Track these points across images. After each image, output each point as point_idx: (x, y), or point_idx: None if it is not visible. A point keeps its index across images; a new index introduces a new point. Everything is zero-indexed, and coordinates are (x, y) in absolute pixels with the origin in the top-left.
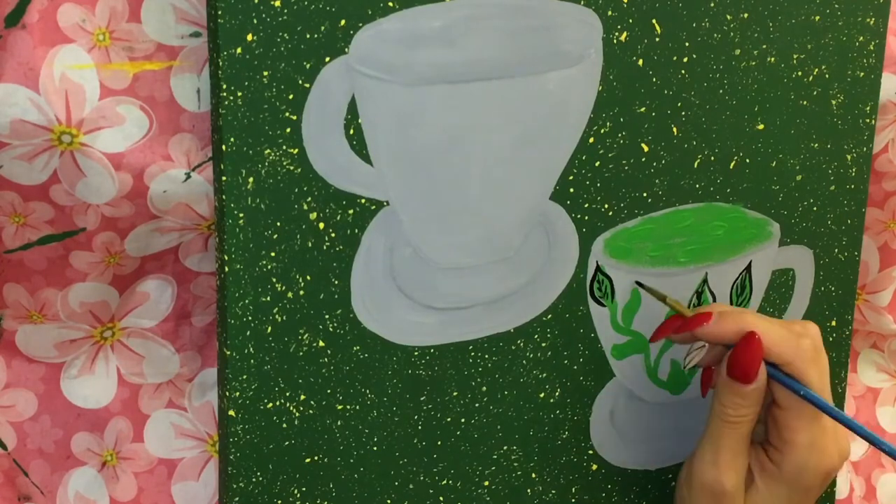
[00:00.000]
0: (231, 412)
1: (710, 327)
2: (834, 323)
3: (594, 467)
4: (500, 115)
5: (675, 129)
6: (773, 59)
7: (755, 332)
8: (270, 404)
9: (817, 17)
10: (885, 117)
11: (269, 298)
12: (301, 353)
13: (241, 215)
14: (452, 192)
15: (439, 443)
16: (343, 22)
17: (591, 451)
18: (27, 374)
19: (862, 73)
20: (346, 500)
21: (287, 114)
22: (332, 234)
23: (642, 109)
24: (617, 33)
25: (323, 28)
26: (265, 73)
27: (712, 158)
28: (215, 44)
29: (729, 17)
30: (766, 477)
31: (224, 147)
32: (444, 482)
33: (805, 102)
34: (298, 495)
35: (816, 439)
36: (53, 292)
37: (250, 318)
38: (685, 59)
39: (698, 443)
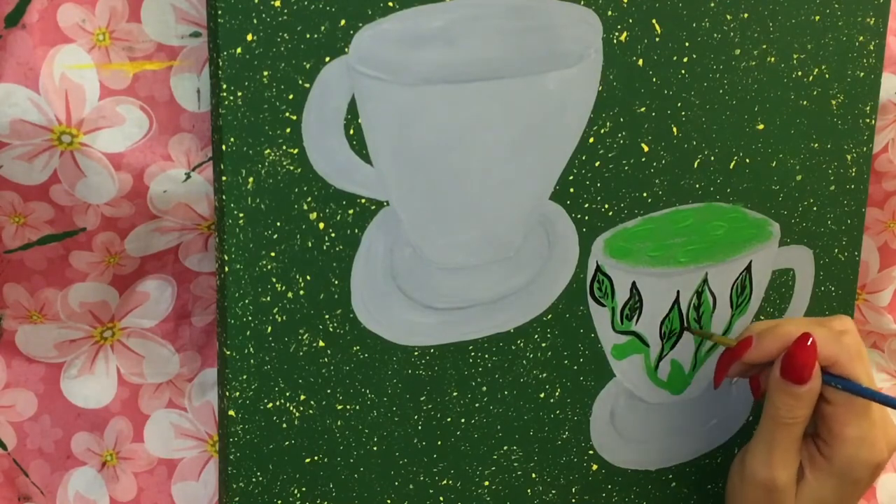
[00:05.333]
0: (231, 412)
1: (753, 351)
2: None
3: (594, 467)
4: (500, 115)
5: (675, 129)
6: (773, 59)
7: (809, 334)
8: (270, 404)
9: (817, 17)
10: (885, 117)
11: (269, 298)
12: (301, 353)
13: (241, 215)
14: (452, 193)
15: (439, 443)
16: (343, 22)
17: (591, 451)
18: (27, 374)
19: (862, 73)
20: (346, 500)
21: (287, 114)
22: (332, 234)
23: (642, 109)
24: (617, 33)
25: (323, 28)
26: (265, 73)
27: (712, 158)
28: (215, 44)
29: (729, 17)
30: (817, 470)
31: (224, 147)
32: (444, 482)
33: (805, 102)
34: (298, 495)
35: (866, 433)
36: (53, 292)
37: (250, 318)
38: (685, 59)
39: (752, 439)
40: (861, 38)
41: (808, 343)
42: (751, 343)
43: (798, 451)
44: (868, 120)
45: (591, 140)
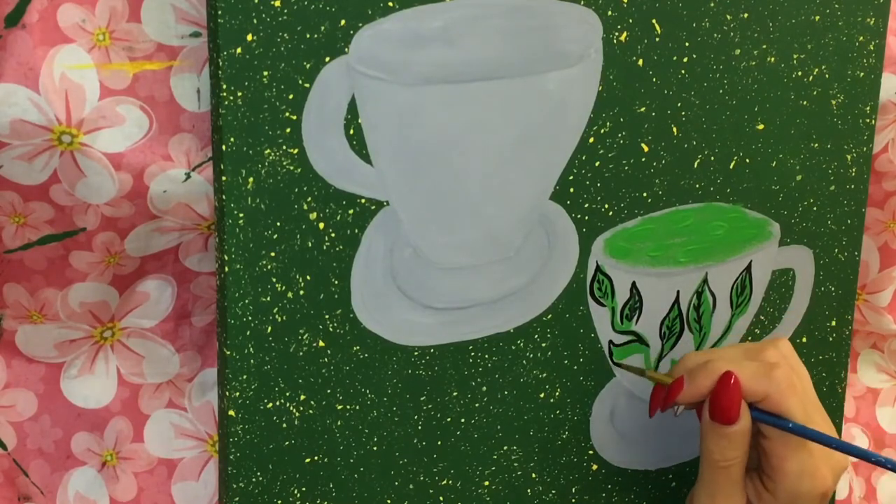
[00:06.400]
0: (231, 412)
1: (687, 391)
2: (834, 323)
3: (594, 467)
4: (500, 115)
5: (675, 129)
6: (773, 59)
7: (731, 373)
8: (270, 404)
9: (817, 17)
10: (885, 117)
11: (269, 298)
12: (301, 353)
13: (241, 215)
14: (452, 192)
15: (439, 443)
16: (343, 22)
17: (591, 451)
18: (27, 374)
19: (862, 73)
20: (346, 500)
21: (287, 114)
22: (332, 234)
23: (642, 109)
24: (617, 33)
25: (323, 28)
26: (265, 73)
27: (712, 158)
28: (215, 44)
29: (729, 17)
30: None
31: (224, 147)
32: (444, 482)
33: (805, 102)
34: (298, 495)
35: (806, 464)
36: (53, 292)
37: (250, 318)
38: (685, 59)
39: (695, 484)
40: (861, 38)
41: (731, 382)
42: (682, 384)
43: (742, 491)
44: (868, 120)
45: (591, 140)
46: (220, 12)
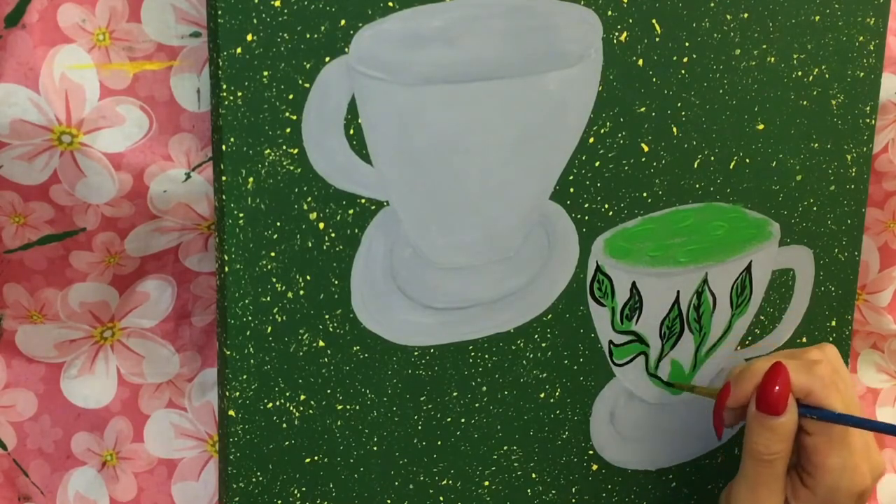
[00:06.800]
0: (231, 412)
1: (734, 393)
2: (834, 323)
3: (594, 467)
4: (500, 115)
5: (675, 129)
6: (773, 59)
7: (780, 363)
8: (270, 404)
9: (817, 17)
10: (885, 117)
11: (269, 298)
12: (301, 353)
13: (241, 215)
14: (452, 193)
15: (439, 443)
16: (343, 22)
17: (591, 451)
18: (27, 374)
19: (862, 73)
20: (346, 500)
21: (287, 114)
22: (332, 234)
23: (642, 109)
24: (617, 33)
25: (323, 28)
26: (265, 73)
27: (712, 158)
28: (215, 44)
29: (729, 17)
30: (801, 502)
31: (224, 147)
32: (444, 482)
33: (805, 102)
34: (298, 495)
35: (847, 461)
36: (53, 292)
37: (250, 318)
38: (685, 59)
39: (735, 477)
40: (861, 38)
41: (780, 373)
42: (729, 389)
43: (782, 488)
44: (868, 120)
45: (591, 140)
46: (220, 12)
